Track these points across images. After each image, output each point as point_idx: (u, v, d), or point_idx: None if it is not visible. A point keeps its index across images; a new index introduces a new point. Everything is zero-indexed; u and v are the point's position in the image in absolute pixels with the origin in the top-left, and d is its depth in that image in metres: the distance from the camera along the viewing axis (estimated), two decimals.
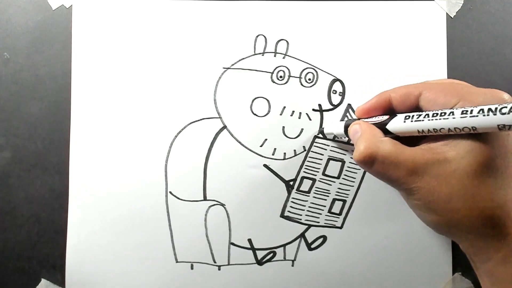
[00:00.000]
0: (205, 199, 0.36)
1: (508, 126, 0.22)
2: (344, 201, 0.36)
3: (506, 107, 0.22)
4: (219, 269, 0.36)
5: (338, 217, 0.37)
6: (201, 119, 0.36)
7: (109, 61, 0.36)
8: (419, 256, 0.36)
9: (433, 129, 0.25)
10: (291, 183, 0.36)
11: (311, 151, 0.36)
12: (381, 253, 0.36)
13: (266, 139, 0.36)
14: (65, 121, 0.36)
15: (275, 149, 0.36)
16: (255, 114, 0.36)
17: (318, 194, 0.36)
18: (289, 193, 0.36)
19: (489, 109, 0.23)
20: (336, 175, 0.36)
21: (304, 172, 0.36)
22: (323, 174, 0.36)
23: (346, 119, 0.35)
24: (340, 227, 0.37)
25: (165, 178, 0.36)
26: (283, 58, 0.36)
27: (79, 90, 0.36)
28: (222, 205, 0.36)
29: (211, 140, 0.36)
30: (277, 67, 0.36)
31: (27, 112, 0.36)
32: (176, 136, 0.36)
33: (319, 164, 0.36)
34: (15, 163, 0.36)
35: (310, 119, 0.36)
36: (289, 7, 0.36)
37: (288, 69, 0.36)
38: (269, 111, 0.36)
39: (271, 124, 0.36)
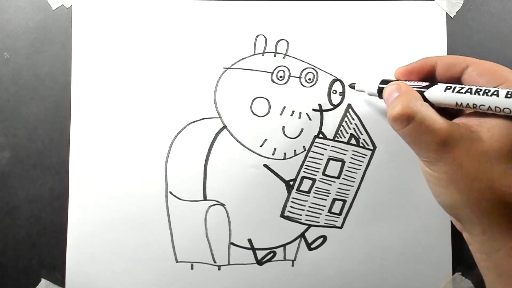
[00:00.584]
0: (205, 199, 0.36)
1: None
2: (344, 201, 0.36)
3: None
4: (219, 269, 0.36)
5: (338, 217, 0.37)
6: (201, 119, 0.36)
7: (109, 61, 0.36)
8: (419, 256, 0.36)
9: (473, 104, 0.25)
10: (291, 183, 0.36)
11: (311, 151, 0.36)
12: (381, 253, 0.36)
13: (266, 139, 0.36)
14: (65, 121, 0.36)
15: (275, 149, 0.36)
16: (255, 114, 0.36)
17: (318, 194, 0.36)
18: (289, 193, 0.36)
19: None
20: (336, 175, 0.36)
21: (304, 172, 0.36)
22: (323, 174, 0.36)
23: (383, 79, 0.33)
24: (340, 227, 0.37)
25: (165, 178, 0.36)
26: (283, 58, 0.36)
27: (79, 90, 0.36)
28: (222, 205, 0.36)
29: (211, 140, 0.36)
30: (277, 67, 0.36)
31: (27, 112, 0.36)
32: (176, 136, 0.36)
33: (319, 164, 0.36)
34: (15, 163, 0.36)
35: (310, 119, 0.36)
36: (289, 7, 0.36)
37: (288, 69, 0.36)
38: (269, 111, 0.36)
39: (271, 124, 0.36)
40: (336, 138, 0.36)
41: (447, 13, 0.37)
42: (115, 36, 0.36)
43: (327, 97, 0.36)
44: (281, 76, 0.36)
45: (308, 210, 0.36)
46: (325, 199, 0.36)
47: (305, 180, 0.36)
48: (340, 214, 0.36)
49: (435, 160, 0.26)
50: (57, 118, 0.36)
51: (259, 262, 0.36)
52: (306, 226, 0.36)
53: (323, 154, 0.36)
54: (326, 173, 0.36)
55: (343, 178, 0.36)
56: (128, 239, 0.36)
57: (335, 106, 0.36)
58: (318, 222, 0.37)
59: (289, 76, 0.36)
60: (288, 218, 0.36)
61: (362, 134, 0.36)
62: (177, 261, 0.36)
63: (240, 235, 0.36)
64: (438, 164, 0.26)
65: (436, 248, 0.36)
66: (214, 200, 0.36)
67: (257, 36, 0.36)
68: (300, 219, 0.36)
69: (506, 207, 0.25)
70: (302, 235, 0.36)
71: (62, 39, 0.36)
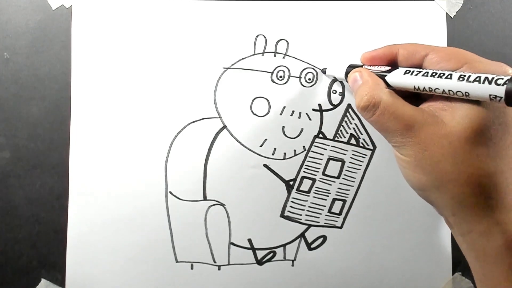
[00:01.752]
0: (205, 199, 0.36)
1: (499, 98, 0.23)
2: (344, 201, 0.36)
3: (502, 78, 0.23)
4: (219, 269, 0.36)
5: (338, 217, 0.37)
6: (201, 119, 0.36)
7: (109, 61, 0.36)
8: (419, 256, 0.36)
9: (429, 87, 0.26)
10: (291, 183, 0.36)
11: (311, 151, 0.36)
12: (381, 253, 0.36)
13: (266, 139, 0.36)
14: (65, 121, 0.36)
15: (275, 149, 0.36)
16: (255, 114, 0.36)
17: (318, 194, 0.36)
18: (289, 193, 0.36)
19: (486, 78, 0.23)
20: (336, 175, 0.36)
21: (304, 172, 0.36)
22: (323, 174, 0.36)
23: (350, 64, 0.34)
24: (340, 227, 0.37)
25: (165, 178, 0.36)
26: (283, 58, 0.36)
27: (79, 90, 0.36)
28: (222, 205, 0.36)
29: (211, 140, 0.36)
30: (277, 67, 0.36)
31: (27, 112, 0.36)
32: (176, 136, 0.36)
33: (319, 164, 0.36)
34: (15, 163, 0.36)
35: (310, 119, 0.36)
36: (289, 7, 0.36)
37: (288, 69, 0.36)
38: (269, 111, 0.36)
39: (271, 124, 0.36)
40: (336, 138, 0.36)
41: (447, 13, 0.37)
42: (115, 36, 0.36)
43: (327, 97, 0.36)
44: (281, 76, 0.36)
45: (308, 210, 0.36)
46: (325, 199, 0.36)
47: (305, 180, 0.36)
48: (340, 214, 0.36)
49: (402, 144, 0.27)
50: (57, 118, 0.36)
51: (259, 262, 0.36)
52: (306, 226, 0.36)
53: (323, 154, 0.36)
54: (326, 173, 0.36)
55: (343, 178, 0.36)
56: (128, 239, 0.36)
57: (335, 106, 0.36)
58: (318, 222, 0.37)
59: (289, 76, 0.36)
60: (288, 218, 0.36)
61: (362, 134, 0.36)
62: (177, 261, 0.36)
63: (240, 235, 0.36)
64: (405, 148, 0.27)
65: (436, 248, 0.36)
66: (214, 200, 0.36)
67: (257, 36, 0.36)
68: (300, 219, 0.36)
69: (471, 187, 0.25)
70: (302, 235, 0.36)
71: (62, 39, 0.36)
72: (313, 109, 0.36)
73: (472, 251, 0.27)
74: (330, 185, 0.36)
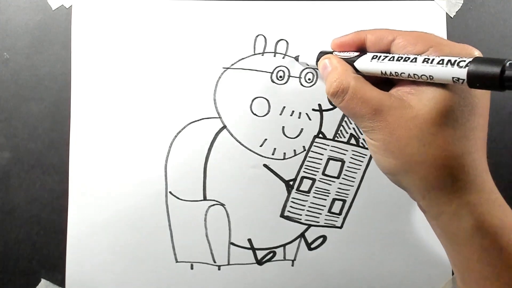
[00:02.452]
0: (205, 199, 0.36)
1: (462, 80, 0.23)
2: (344, 201, 0.36)
3: (464, 61, 0.23)
4: (219, 269, 0.36)
5: (338, 217, 0.37)
6: (201, 119, 0.36)
7: (109, 61, 0.36)
8: (419, 256, 0.36)
9: (395, 72, 0.26)
10: (291, 183, 0.36)
11: (311, 151, 0.36)
12: (381, 253, 0.36)
13: (266, 139, 0.36)
14: (65, 121, 0.36)
15: (275, 149, 0.36)
16: (255, 114, 0.36)
17: (318, 194, 0.36)
18: (289, 193, 0.36)
19: (449, 61, 0.23)
20: (336, 175, 0.36)
21: (304, 172, 0.36)
22: (323, 174, 0.36)
23: (321, 51, 0.34)
24: (340, 227, 0.37)
25: (165, 178, 0.36)
26: (283, 58, 0.36)
27: (79, 90, 0.36)
28: (222, 205, 0.36)
29: (211, 140, 0.36)
30: (277, 67, 0.36)
31: (27, 112, 0.36)
32: (176, 136, 0.36)
33: (319, 164, 0.36)
34: (15, 163, 0.36)
35: (310, 119, 0.36)
36: (289, 7, 0.36)
37: (288, 69, 0.36)
38: (268, 111, 0.36)
39: (271, 124, 0.36)
40: (335, 138, 0.36)
41: (447, 13, 0.37)
42: (114, 36, 0.36)
43: (327, 97, 0.36)
44: (280, 76, 0.36)
45: (308, 210, 0.36)
46: (325, 199, 0.36)
47: (305, 180, 0.36)
48: (340, 214, 0.36)
49: (371, 129, 0.27)
50: (57, 118, 0.36)
51: (259, 262, 0.36)
52: (306, 226, 0.36)
53: (323, 154, 0.36)
54: (326, 173, 0.36)
55: (343, 178, 0.36)
56: (128, 239, 0.36)
57: (335, 106, 0.36)
58: (318, 222, 0.37)
59: (289, 76, 0.36)
60: (288, 218, 0.36)
61: (362, 134, 0.36)
62: (177, 261, 0.36)
63: (240, 235, 0.36)
64: (374, 133, 0.27)
65: (436, 248, 0.36)
66: (214, 200, 0.36)
67: (257, 36, 0.36)
68: (300, 219, 0.36)
69: (439, 169, 0.25)
70: (302, 235, 0.36)
71: (62, 39, 0.36)
72: (313, 109, 0.36)
73: (444, 233, 0.28)
74: (330, 185, 0.36)
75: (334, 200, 0.36)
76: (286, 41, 0.36)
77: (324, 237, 0.36)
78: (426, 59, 0.24)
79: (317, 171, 0.36)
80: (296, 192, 0.36)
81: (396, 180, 0.28)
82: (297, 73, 0.36)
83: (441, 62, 0.24)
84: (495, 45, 0.37)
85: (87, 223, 0.36)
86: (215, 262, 0.36)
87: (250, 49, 0.36)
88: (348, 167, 0.36)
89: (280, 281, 0.36)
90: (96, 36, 0.36)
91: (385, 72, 0.27)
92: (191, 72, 0.36)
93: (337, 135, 0.36)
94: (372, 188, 0.36)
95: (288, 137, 0.36)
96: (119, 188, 0.36)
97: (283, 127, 0.36)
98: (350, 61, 0.29)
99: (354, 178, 0.36)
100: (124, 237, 0.36)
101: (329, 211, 0.36)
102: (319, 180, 0.36)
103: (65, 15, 0.36)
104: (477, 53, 0.26)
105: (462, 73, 0.23)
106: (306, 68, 0.36)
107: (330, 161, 0.36)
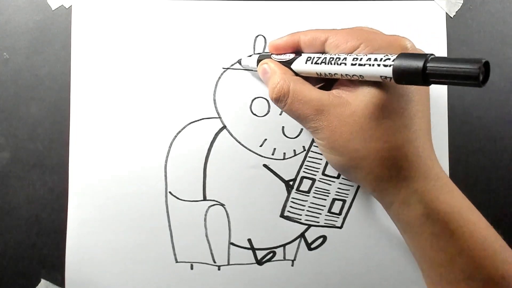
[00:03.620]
0: (204, 199, 0.36)
1: (389, 78, 0.23)
2: (344, 201, 0.36)
3: (389, 59, 0.23)
4: (219, 269, 0.36)
5: (338, 217, 0.37)
6: (200, 119, 0.36)
7: (109, 61, 0.36)
8: None
9: (329, 73, 0.26)
10: (291, 183, 0.36)
11: (311, 151, 0.36)
12: (381, 253, 0.36)
13: (265, 139, 0.36)
14: (65, 121, 0.36)
15: (274, 149, 0.36)
16: (254, 114, 0.36)
17: (318, 194, 0.36)
18: (289, 193, 0.36)
19: (375, 59, 0.24)
20: (335, 175, 0.36)
21: (304, 172, 0.36)
22: (323, 174, 0.36)
23: (260, 53, 0.35)
24: (340, 227, 0.37)
25: (165, 178, 0.36)
26: None
27: (79, 90, 0.36)
28: (222, 205, 0.36)
29: (211, 140, 0.36)
30: None
31: (27, 112, 0.36)
32: (175, 136, 0.36)
33: (318, 164, 0.36)
34: (15, 163, 0.36)
35: None
36: (289, 7, 0.36)
37: None
38: (268, 111, 0.36)
39: (271, 124, 0.36)
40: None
41: (446, 13, 0.37)
42: (114, 36, 0.36)
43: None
44: None
45: (308, 210, 0.36)
46: (325, 199, 0.36)
47: (304, 180, 0.36)
48: (339, 214, 0.36)
49: (316, 129, 0.28)
50: (57, 118, 0.36)
51: (259, 262, 0.36)
52: (306, 226, 0.36)
53: (322, 154, 0.36)
54: (325, 173, 0.36)
55: (342, 178, 0.36)
56: (128, 239, 0.36)
57: None
58: (318, 222, 0.37)
59: None
60: (288, 218, 0.36)
61: None
62: (177, 261, 0.36)
63: (240, 235, 0.36)
64: (319, 132, 0.28)
65: None
66: (213, 200, 0.36)
67: (257, 36, 0.36)
68: (300, 219, 0.36)
69: (382, 161, 0.26)
70: (302, 235, 0.36)
71: (62, 40, 0.36)
72: None
73: (398, 223, 0.28)
74: (330, 185, 0.36)
75: (334, 200, 0.36)
76: None
77: (324, 237, 0.36)
78: (355, 59, 0.25)
79: (317, 171, 0.36)
80: (296, 192, 0.36)
81: (348, 175, 0.29)
82: None
83: (368, 61, 0.24)
84: (495, 45, 0.37)
85: (87, 223, 0.36)
86: (215, 262, 0.36)
87: (250, 49, 0.36)
88: None
89: (280, 281, 0.36)
90: (95, 36, 0.36)
91: (320, 73, 0.27)
92: (191, 72, 0.36)
93: None
94: None
95: (288, 137, 0.36)
96: (119, 188, 0.36)
97: (283, 127, 0.36)
98: (287, 64, 0.29)
99: None
100: (124, 237, 0.36)
101: (329, 211, 0.36)
102: (319, 180, 0.36)
103: (65, 15, 0.36)
104: (409, 44, 0.26)
105: (389, 71, 0.23)
106: None
107: None
